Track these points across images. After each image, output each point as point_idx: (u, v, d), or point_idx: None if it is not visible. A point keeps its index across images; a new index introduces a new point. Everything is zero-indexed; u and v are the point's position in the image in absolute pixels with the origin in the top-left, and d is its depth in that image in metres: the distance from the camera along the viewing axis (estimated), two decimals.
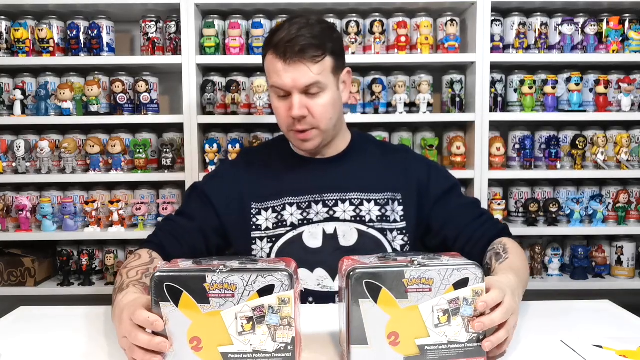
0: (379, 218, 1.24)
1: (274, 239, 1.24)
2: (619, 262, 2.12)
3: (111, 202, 2.00)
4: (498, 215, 2.02)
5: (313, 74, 1.16)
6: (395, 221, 1.25)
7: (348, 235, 1.23)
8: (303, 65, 1.16)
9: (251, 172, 1.31)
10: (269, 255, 1.24)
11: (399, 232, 1.25)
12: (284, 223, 1.24)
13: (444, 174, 1.35)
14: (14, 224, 2.06)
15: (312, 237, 1.23)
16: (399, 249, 1.25)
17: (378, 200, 1.25)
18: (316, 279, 1.21)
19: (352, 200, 1.25)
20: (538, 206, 2.07)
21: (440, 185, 1.29)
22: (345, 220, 1.24)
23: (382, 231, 1.24)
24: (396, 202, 1.27)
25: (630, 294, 2.06)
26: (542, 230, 2.06)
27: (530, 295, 1.11)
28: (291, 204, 1.25)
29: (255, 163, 1.33)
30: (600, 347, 0.88)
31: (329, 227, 1.23)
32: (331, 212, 1.24)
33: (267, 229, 1.24)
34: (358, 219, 1.24)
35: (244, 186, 1.28)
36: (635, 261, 2.13)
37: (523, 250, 1.21)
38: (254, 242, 1.24)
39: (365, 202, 1.25)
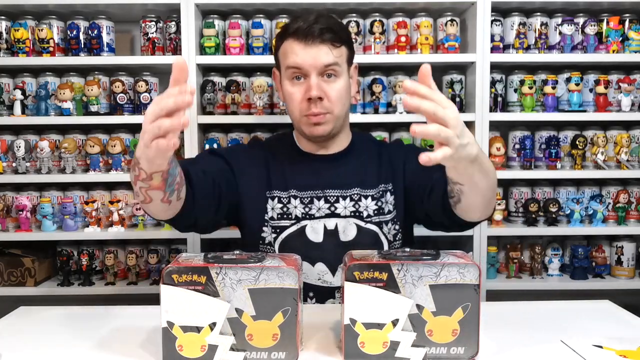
0: (375, 212, 1.27)
1: (278, 230, 1.26)
2: (619, 262, 2.11)
3: (111, 202, 2.00)
4: (498, 216, 2.03)
5: (333, 55, 1.20)
6: (389, 212, 1.28)
7: (347, 231, 1.25)
8: (324, 46, 1.20)
9: (262, 158, 1.32)
10: (272, 244, 1.25)
11: (392, 222, 1.28)
12: (289, 215, 1.26)
13: (420, 150, 1.37)
14: (14, 224, 2.06)
15: (314, 232, 1.25)
16: (391, 239, 1.27)
17: (374, 195, 1.28)
18: (317, 273, 1.23)
19: (352, 197, 1.27)
20: (538, 206, 2.07)
21: (415, 158, 1.27)
22: (345, 216, 1.26)
23: (379, 224, 1.27)
24: (388, 193, 1.30)
25: (630, 294, 2.05)
26: (542, 230, 2.05)
27: (530, 295, 1.12)
28: (295, 197, 1.27)
29: (265, 153, 1.35)
30: (600, 347, 0.88)
31: (330, 223, 1.26)
32: (332, 208, 1.26)
33: (272, 218, 1.26)
34: (357, 214, 1.26)
35: (259, 168, 1.30)
36: (635, 261, 2.13)
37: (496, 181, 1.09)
38: (265, 224, 1.26)
39: (363, 198, 1.27)
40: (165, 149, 0.80)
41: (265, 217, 1.26)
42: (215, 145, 1.99)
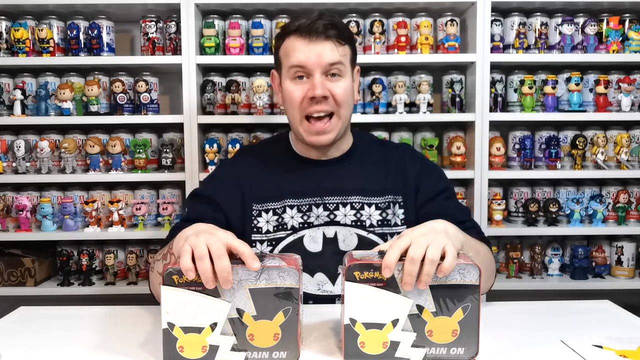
0: (379, 222, 1.23)
1: (274, 242, 1.22)
2: (619, 262, 2.11)
3: (111, 202, 2.00)
4: (498, 216, 2.03)
5: (338, 53, 1.15)
6: (396, 225, 1.24)
7: (348, 240, 1.22)
8: (329, 43, 1.14)
9: (251, 172, 1.27)
10: None
11: None
12: (285, 226, 1.22)
13: (438, 175, 1.31)
14: (14, 224, 2.06)
15: (313, 241, 1.21)
16: None
17: (379, 205, 1.23)
18: (316, 283, 1.20)
19: (353, 204, 1.23)
20: (538, 206, 2.07)
21: (433, 186, 1.26)
22: (345, 225, 1.22)
23: (383, 236, 1.22)
24: (397, 205, 1.25)
25: (630, 294, 2.06)
26: (542, 230, 2.05)
27: (530, 295, 1.11)
28: (292, 207, 1.22)
29: (255, 163, 1.30)
30: (600, 347, 0.88)
31: (330, 231, 1.22)
32: (332, 216, 1.22)
33: (268, 231, 1.22)
34: (359, 223, 1.22)
35: (244, 186, 1.25)
36: (635, 261, 2.13)
37: (492, 255, 1.19)
38: (253, 244, 1.22)
39: (366, 207, 1.23)
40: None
41: (253, 238, 1.22)
42: (215, 146, 1.99)
